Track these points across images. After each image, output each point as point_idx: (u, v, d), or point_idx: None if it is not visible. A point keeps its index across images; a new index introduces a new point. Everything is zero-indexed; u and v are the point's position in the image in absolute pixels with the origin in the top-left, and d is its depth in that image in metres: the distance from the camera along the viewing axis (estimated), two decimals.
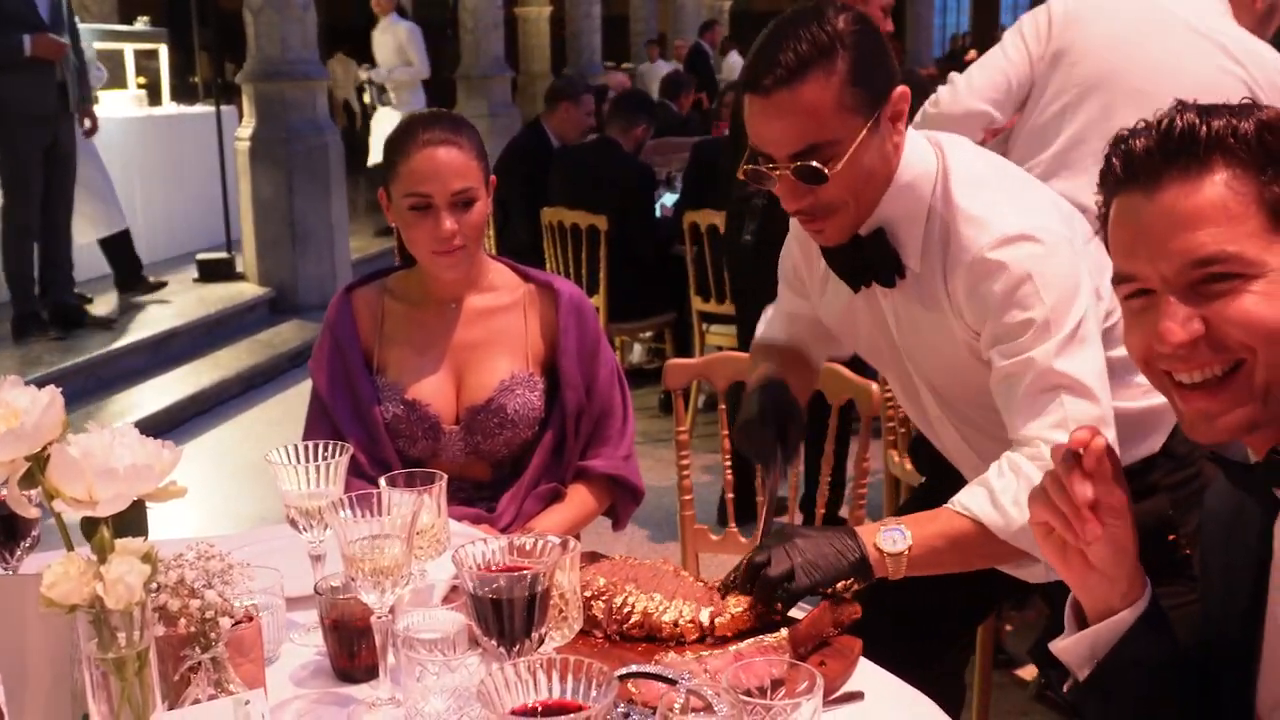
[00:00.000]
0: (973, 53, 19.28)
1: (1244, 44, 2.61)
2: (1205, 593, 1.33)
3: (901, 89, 1.70)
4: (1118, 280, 1.22)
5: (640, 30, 15.86)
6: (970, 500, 1.67)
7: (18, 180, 5.82)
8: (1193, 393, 1.18)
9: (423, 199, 2.15)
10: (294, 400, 6.14)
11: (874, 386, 2.43)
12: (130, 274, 7.11)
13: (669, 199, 6.09)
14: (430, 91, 9.91)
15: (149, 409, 5.64)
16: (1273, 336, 1.13)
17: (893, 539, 1.63)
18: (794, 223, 1.94)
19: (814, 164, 1.64)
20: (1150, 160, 1.17)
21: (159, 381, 6.05)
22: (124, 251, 7.08)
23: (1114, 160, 1.20)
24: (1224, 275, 1.14)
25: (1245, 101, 1.19)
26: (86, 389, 5.66)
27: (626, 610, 1.55)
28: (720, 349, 4.98)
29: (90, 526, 1.13)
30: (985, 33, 23.03)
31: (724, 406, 2.70)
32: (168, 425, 5.62)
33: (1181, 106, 1.18)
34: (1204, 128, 1.15)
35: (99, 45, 7.87)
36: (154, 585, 1.20)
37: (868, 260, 1.78)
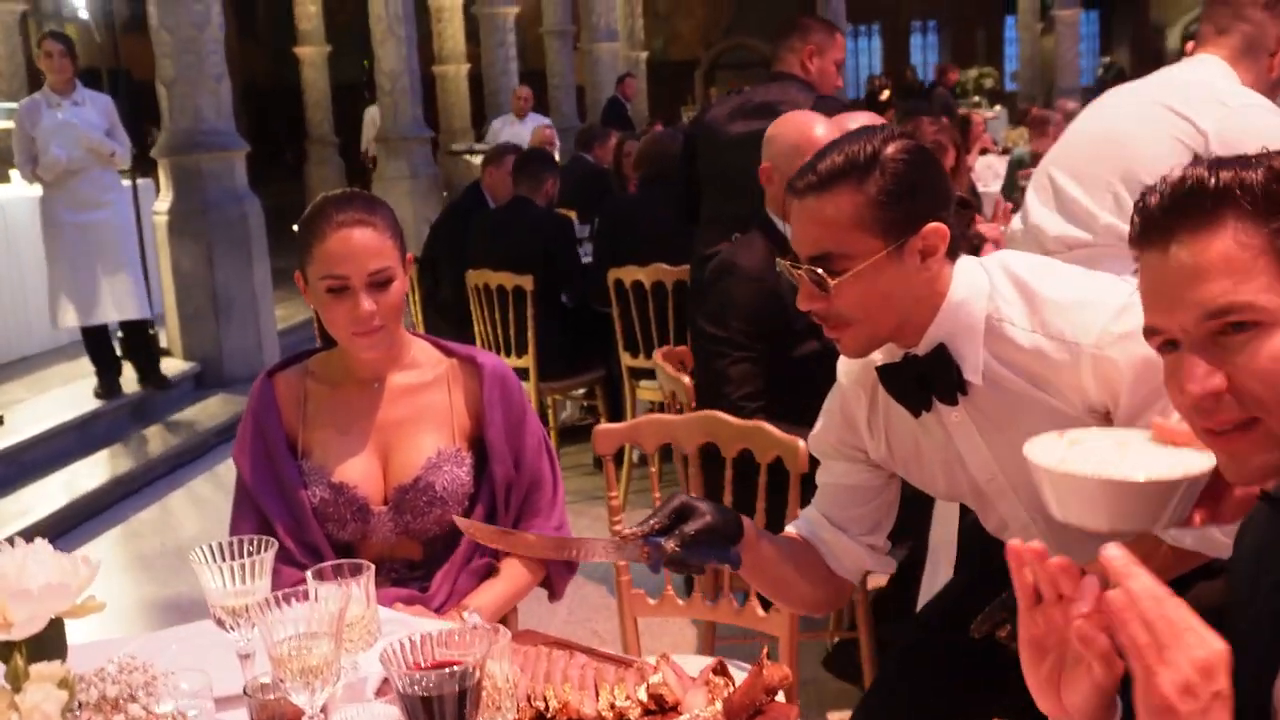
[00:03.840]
0: (887, 93, 19.63)
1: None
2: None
3: (937, 227, 1.73)
4: (1147, 334, 1.25)
5: (558, 84, 15.95)
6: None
7: None
8: (1220, 438, 1.21)
9: (339, 280, 2.14)
10: (224, 476, 6.05)
11: (800, 444, 2.44)
12: (148, 374, 6.79)
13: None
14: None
15: (74, 494, 5.54)
16: None
17: None
18: (839, 392, 2.01)
19: (820, 271, 1.70)
20: (1163, 217, 1.20)
21: (82, 465, 5.93)
22: (139, 345, 6.78)
23: (1135, 218, 1.24)
24: (1240, 325, 1.16)
25: (1264, 150, 1.21)
26: (7, 477, 5.54)
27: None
28: (652, 405, 4.99)
29: (6, 651, 1.11)
30: (898, 72, 23.49)
31: (654, 469, 2.70)
32: (92, 511, 5.52)
33: (1195, 161, 1.21)
34: (1212, 180, 1.18)
35: (5, 125, 7.74)
36: (76, 704, 1.18)
37: (924, 379, 1.81)
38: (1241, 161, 1.19)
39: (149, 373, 6.75)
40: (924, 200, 1.73)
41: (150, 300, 7.42)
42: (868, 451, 2.01)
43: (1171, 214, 1.19)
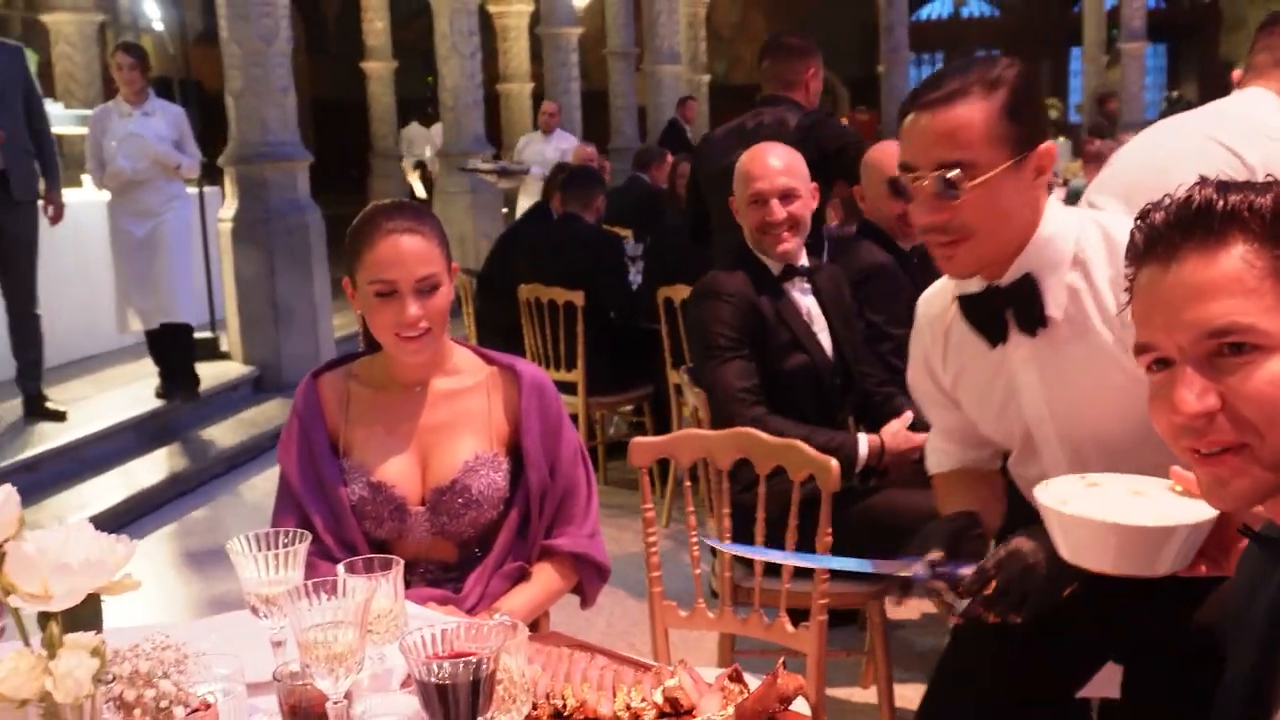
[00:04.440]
0: None
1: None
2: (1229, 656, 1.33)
3: (1050, 147, 1.83)
4: (1138, 350, 1.25)
5: (620, 105, 16.07)
6: None
7: None
8: (1206, 460, 1.21)
9: (387, 285, 2.21)
10: (276, 479, 6.16)
11: (833, 463, 2.47)
12: (178, 378, 6.70)
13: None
14: None
15: (130, 490, 5.66)
16: None
17: None
18: (913, 333, 2.09)
19: (950, 177, 1.76)
20: (1168, 233, 1.21)
21: (140, 462, 6.06)
22: (174, 351, 6.69)
23: (1136, 234, 1.25)
24: (1239, 347, 1.16)
25: (1268, 179, 1.22)
26: (69, 471, 5.67)
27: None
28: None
29: (45, 621, 1.17)
30: None
31: (689, 483, 2.73)
32: (148, 507, 5.65)
33: (1202, 182, 1.22)
34: (1221, 202, 1.19)
35: (81, 130, 7.95)
36: (109, 676, 1.23)
37: (1005, 309, 1.87)
38: (1250, 186, 1.20)
39: (179, 376, 6.68)
40: (1041, 120, 1.84)
41: (211, 306, 7.60)
42: (940, 381, 2.08)
43: (1177, 231, 1.20)
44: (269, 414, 7.04)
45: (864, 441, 3.13)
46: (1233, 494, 1.20)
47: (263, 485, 6.10)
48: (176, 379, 6.67)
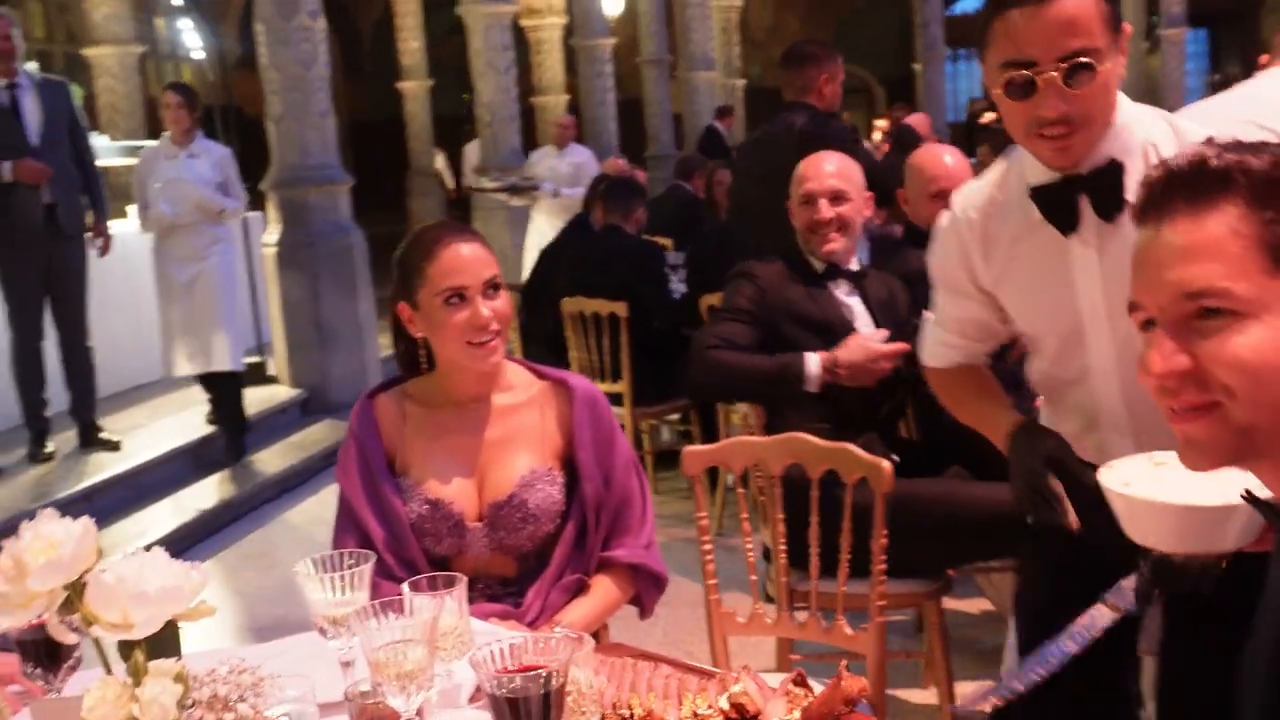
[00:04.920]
0: (989, 115, 19.45)
1: None
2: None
3: (1126, 25, 1.87)
4: (1130, 309, 1.26)
5: (655, 113, 16.10)
6: None
7: (13, 304, 5.90)
8: (1178, 417, 1.20)
9: (457, 289, 2.26)
10: (329, 499, 6.17)
11: (885, 464, 2.48)
12: (225, 425, 6.58)
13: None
14: None
15: (186, 516, 5.74)
16: (1258, 379, 1.14)
17: None
18: (948, 226, 2.10)
19: (1084, 61, 1.79)
20: (1162, 193, 1.21)
21: (194, 489, 6.14)
22: (222, 397, 6.56)
23: (1139, 193, 1.25)
24: (1216, 311, 1.15)
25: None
26: (126, 499, 5.75)
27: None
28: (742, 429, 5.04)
29: (127, 649, 1.20)
30: None
31: (742, 490, 2.75)
32: (205, 532, 5.71)
33: (1206, 141, 1.22)
34: (1215, 160, 1.18)
35: (126, 161, 8.06)
36: (189, 702, 1.26)
37: (1091, 193, 1.89)
38: (1249, 146, 1.18)
39: (225, 424, 6.58)
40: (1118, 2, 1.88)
41: (258, 330, 7.68)
42: (978, 277, 2.08)
43: (1170, 191, 1.19)
44: (317, 436, 7.11)
45: (812, 360, 3.20)
46: (1206, 456, 1.20)
47: (314, 507, 6.16)
48: (223, 424, 6.59)
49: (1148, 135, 1.91)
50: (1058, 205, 1.92)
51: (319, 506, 6.14)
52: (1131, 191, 1.84)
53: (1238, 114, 2.85)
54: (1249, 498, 1.25)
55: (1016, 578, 2.45)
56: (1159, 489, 1.50)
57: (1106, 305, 1.94)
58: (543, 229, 9.34)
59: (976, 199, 2.07)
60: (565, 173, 9.77)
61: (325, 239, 7.55)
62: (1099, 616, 1.72)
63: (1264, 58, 3.02)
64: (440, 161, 17.30)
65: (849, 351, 3.19)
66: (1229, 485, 1.45)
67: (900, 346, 3.17)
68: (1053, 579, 2.15)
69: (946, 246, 2.13)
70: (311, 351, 7.54)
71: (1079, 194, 1.89)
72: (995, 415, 2.13)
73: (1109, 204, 1.88)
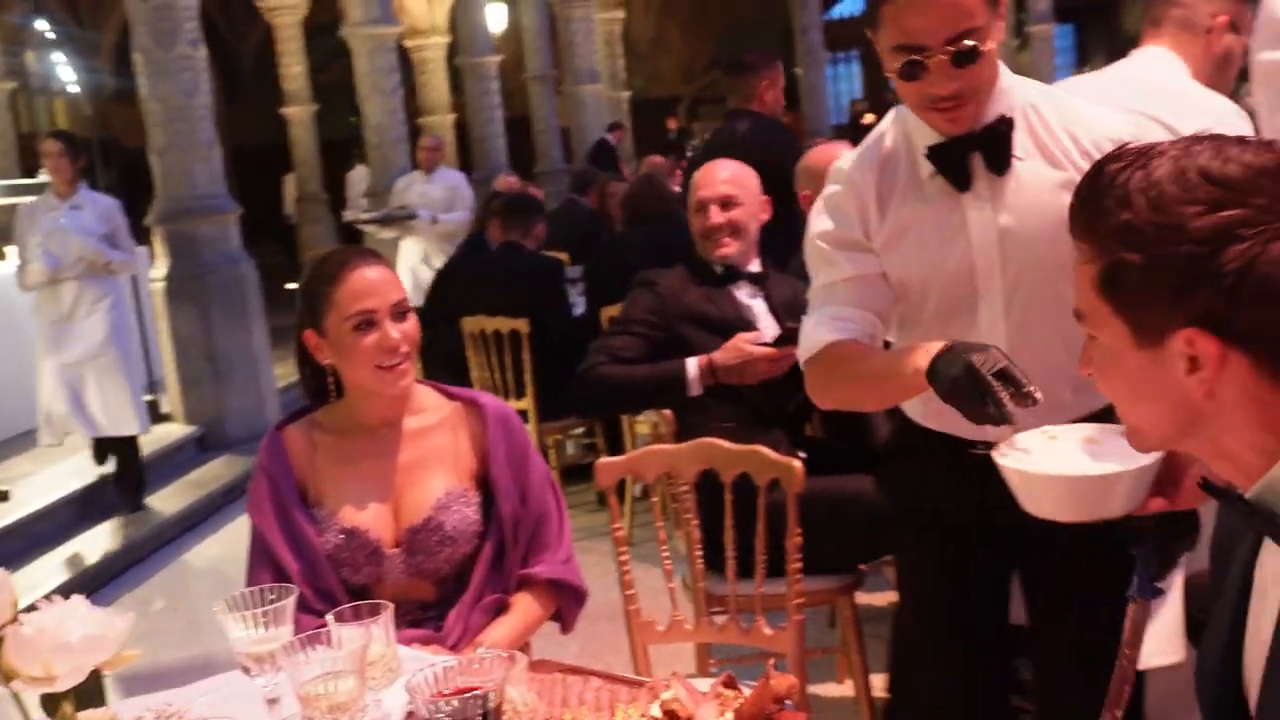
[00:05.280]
0: (871, 116, 19.79)
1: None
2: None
3: None
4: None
5: (543, 129, 16.12)
6: None
7: None
8: None
9: (366, 314, 2.25)
10: (232, 536, 6.09)
11: (796, 464, 2.52)
12: (127, 482, 6.27)
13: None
14: None
15: (83, 564, 5.58)
16: None
17: None
18: (843, 187, 2.11)
19: (969, 44, 1.87)
20: None
21: (91, 535, 5.97)
22: (121, 457, 6.24)
23: None
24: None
25: None
26: (17, 550, 5.56)
27: None
28: (651, 438, 5.06)
29: (51, 702, 1.18)
30: (879, 96, 23.67)
31: (655, 499, 2.77)
32: (104, 579, 5.56)
33: None
34: None
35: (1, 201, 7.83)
36: None
37: (982, 149, 1.98)
38: None
39: (125, 479, 6.28)
40: None
41: (149, 368, 7.50)
42: (872, 236, 2.10)
43: None
44: (216, 472, 6.97)
45: (691, 364, 3.30)
46: (1142, 440, 1.32)
47: (216, 546, 6.04)
48: (120, 483, 6.29)
49: (1026, 98, 2.03)
50: (952, 163, 2.00)
51: (222, 545, 6.03)
52: (1020, 147, 1.98)
53: (1133, 104, 2.92)
54: (1203, 484, 1.30)
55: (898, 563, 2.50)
56: (1050, 462, 1.59)
57: (1001, 256, 2.01)
58: (412, 257, 9.02)
59: (867, 157, 2.12)
60: (439, 198, 9.15)
61: (216, 270, 7.41)
62: (1138, 615, 1.79)
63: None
64: (289, 186, 17.14)
65: (724, 354, 3.27)
66: (1115, 454, 1.56)
67: (771, 352, 3.22)
68: (935, 559, 2.24)
69: (841, 206, 2.12)
70: (206, 386, 7.40)
71: (971, 151, 1.99)
72: (906, 357, 1.89)
73: (999, 159, 1.99)
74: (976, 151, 1.99)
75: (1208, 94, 2.81)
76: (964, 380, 1.70)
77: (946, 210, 2.03)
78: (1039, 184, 1.99)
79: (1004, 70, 2.01)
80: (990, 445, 1.70)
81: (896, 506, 2.34)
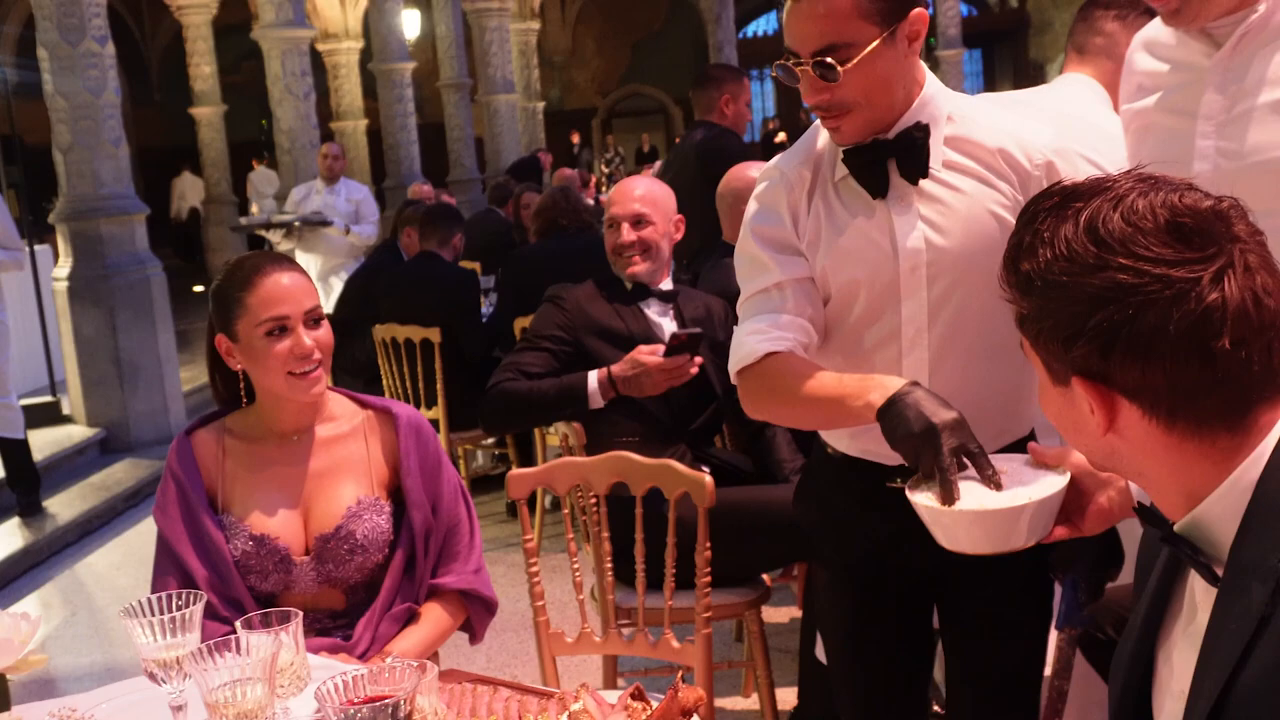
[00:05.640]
0: (783, 135, 20.03)
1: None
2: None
3: (920, 12, 1.92)
4: None
5: (457, 137, 16.06)
6: None
7: None
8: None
9: (279, 320, 2.24)
10: (134, 542, 6.00)
11: (707, 479, 2.55)
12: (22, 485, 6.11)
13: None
14: None
15: None
16: None
17: None
18: (774, 182, 2.09)
19: (829, 61, 1.86)
20: None
21: None
22: (13, 461, 6.05)
23: None
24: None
25: None
26: None
27: None
28: (560, 451, 5.08)
29: None
30: (792, 115, 23.96)
31: (566, 511, 2.78)
32: (2, 583, 5.43)
33: None
34: None
35: None
36: None
37: (897, 157, 1.96)
38: None
39: (20, 482, 6.10)
40: None
41: (50, 369, 7.34)
42: (800, 234, 2.08)
43: None
44: (119, 476, 6.83)
45: (592, 378, 3.34)
46: None
47: (118, 551, 5.93)
48: (16, 487, 6.09)
49: (951, 108, 2.02)
50: (866, 169, 2.00)
51: (123, 550, 5.92)
52: (934, 157, 1.97)
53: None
54: (1138, 508, 1.34)
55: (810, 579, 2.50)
56: (962, 496, 1.63)
57: (927, 248, 1.99)
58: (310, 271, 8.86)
59: (799, 152, 2.13)
60: (342, 211, 8.64)
61: (121, 271, 7.28)
62: (1066, 644, 1.84)
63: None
64: (181, 188, 16.87)
65: (621, 366, 3.30)
66: (1022, 486, 1.62)
67: (664, 362, 3.25)
68: (850, 595, 2.19)
69: (772, 202, 2.12)
70: (110, 389, 7.26)
71: (887, 158, 1.99)
72: (858, 386, 1.85)
73: (912, 167, 1.98)
74: (891, 158, 1.99)
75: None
76: (921, 444, 1.69)
77: (867, 215, 2.03)
78: (960, 194, 1.99)
79: (931, 80, 2.01)
80: (910, 473, 1.71)
81: (809, 538, 2.28)
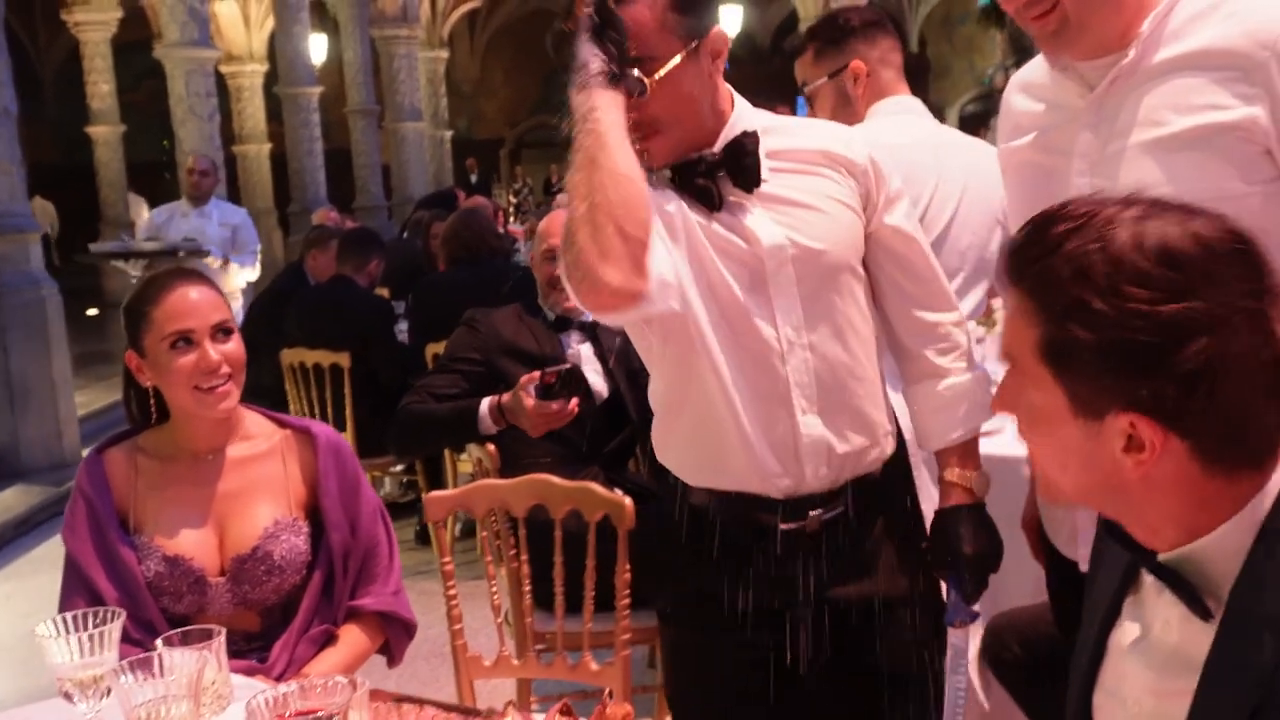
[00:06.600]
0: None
1: None
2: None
3: (720, 31, 1.94)
4: None
5: (364, 164, 15.94)
6: None
7: None
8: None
9: (184, 334, 2.20)
10: (26, 571, 5.80)
11: (627, 502, 2.56)
12: None
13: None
14: None
15: None
16: None
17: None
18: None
19: (635, 72, 1.84)
20: None
21: None
22: None
23: None
24: None
25: None
26: None
27: None
28: (473, 476, 5.05)
29: None
30: None
31: (484, 534, 2.77)
32: None
33: None
34: None
35: None
36: None
37: (726, 169, 1.94)
38: None
39: None
40: (709, 8, 1.95)
41: None
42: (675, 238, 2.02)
43: None
44: (8, 503, 6.59)
45: (484, 405, 3.36)
46: (1053, 493, 1.30)
47: (10, 581, 5.73)
48: None
49: (763, 122, 2.01)
50: (694, 184, 1.96)
51: (14, 581, 5.72)
52: (766, 167, 1.95)
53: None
54: (1114, 533, 1.29)
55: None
56: None
57: (791, 242, 1.95)
58: None
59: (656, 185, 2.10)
60: (218, 237, 7.50)
61: (14, 291, 7.07)
62: (957, 639, 1.87)
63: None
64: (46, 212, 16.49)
65: (508, 397, 3.31)
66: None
67: (537, 406, 3.22)
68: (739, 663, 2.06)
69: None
70: None
71: (715, 171, 1.96)
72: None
73: (744, 177, 1.95)
74: (721, 172, 1.96)
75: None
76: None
77: (721, 221, 1.97)
78: (800, 190, 1.97)
79: (740, 100, 2.02)
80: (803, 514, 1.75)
81: (676, 605, 2.16)
